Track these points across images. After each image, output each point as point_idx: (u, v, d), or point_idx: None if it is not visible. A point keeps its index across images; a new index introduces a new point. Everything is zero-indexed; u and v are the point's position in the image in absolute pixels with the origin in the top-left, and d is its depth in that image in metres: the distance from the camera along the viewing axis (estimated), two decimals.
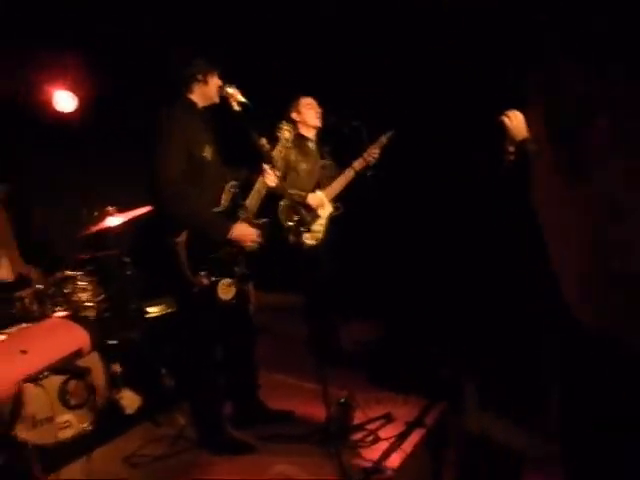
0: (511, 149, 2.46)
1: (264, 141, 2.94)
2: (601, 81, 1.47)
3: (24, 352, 1.77)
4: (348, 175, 3.95)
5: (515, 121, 2.43)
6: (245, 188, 3.11)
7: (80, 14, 4.07)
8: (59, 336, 1.94)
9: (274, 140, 3.22)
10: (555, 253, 1.64)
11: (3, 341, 2.69)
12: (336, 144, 4.10)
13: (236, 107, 2.87)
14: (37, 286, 3.51)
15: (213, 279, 2.83)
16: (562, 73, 1.54)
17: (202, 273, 2.79)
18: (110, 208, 3.76)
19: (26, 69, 4.36)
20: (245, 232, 2.95)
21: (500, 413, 3.07)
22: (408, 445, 2.91)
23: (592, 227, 1.51)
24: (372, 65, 4.45)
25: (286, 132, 3.22)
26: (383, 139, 3.91)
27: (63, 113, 4.74)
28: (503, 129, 2.46)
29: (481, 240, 4.08)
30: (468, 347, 3.69)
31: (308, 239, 3.75)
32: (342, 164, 4.04)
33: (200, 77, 2.89)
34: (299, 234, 3.70)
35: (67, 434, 2.96)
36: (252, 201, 3.07)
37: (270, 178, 3.10)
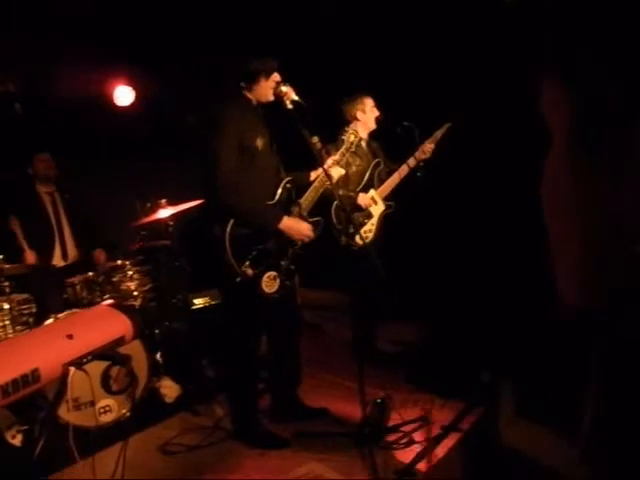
0: None
1: (316, 139, 2.95)
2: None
3: (70, 337, 1.83)
4: (402, 172, 3.91)
5: None
6: (300, 187, 3.13)
7: (139, 13, 4.17)
8: (104, 323, 2.00)
9: (328, 141, 3.23)
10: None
11: (51, 325, 2.82)
12: (388, 144, 4.08)
13: (289, 106, 2.88)
14: (88, 273, 3.65)
15: (258, 271, 2.85)
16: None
17: (246, 264, 2.81)
18: (162, 201, 3.85)
19: (88, 65, 4.51)
20: (296, 225, 2.95)
21: (539, 421, 2.99)
22: (442, 449, 2.88)
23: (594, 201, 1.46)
24: (422, 63, 4.41)
25: (352, 136, 3.19)
26: (438, 134, 3.86)
27: (120, 107, 4.90)
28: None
29: (527, 243, 3.99)
30: (509, 351, 3.61)
31: (359, 239, 3.74)
32: (394, 162, 4.01)
33: (245, 83, 2.93)
34: (350, 235, 3.71)
35: (107, 418, 3.09)
36: (307, 199, 3.08)
37: (336, 170, 3.16)
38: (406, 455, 2.84)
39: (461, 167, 4.34)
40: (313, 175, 3.20)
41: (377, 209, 3.90)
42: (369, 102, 3.89)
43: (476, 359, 3.63)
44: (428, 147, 3.83)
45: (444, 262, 4.56)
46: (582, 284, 1.52)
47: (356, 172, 3.89)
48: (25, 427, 2.98)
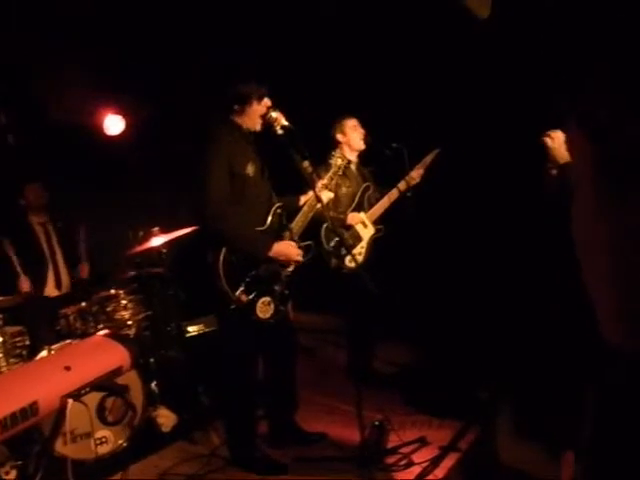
0: (554, 172, 2.37)
1: (307, 164, 2.98)
2: None
3: (68, 368, 1.83)
4: (391, 197, 3.94)
5: (557, 142, 2.34)
6: (290, 212, 3.16)
7: (129, 40, 4.21)
8: (101, 354, 2.00)
9: (319, 164, 3.26)
10: (588, 272, 1.61)
11: (48, 357, 2.80)
12: (377, 166, 4.11)
13: (279, 131, 2.91)
14: (81, 304, 3.64)
15: (251, 297, 2.86)
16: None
17: (240, 290, 2.82)
18: (155, 229, 3.85)
19: (78, 94, 4.54)
20: (285, 250, 2.97)
21: (538, 441, 2.99)
22: (441, 470, 2.87)
23: (626, 245, 1.48)
24: (412, 85, 4.47)
25: (339, 159, 3.25)
26: (427, 159, 3.90)
27: (111, 136, 4.92)
28: (544, 150, 2.38)
29: (521, 264, 4.03)
30: (505, 369, 3.61)
31: (350, 262, 3.76)
32: (383, 186, 4.04)
33: (237, 106, 2.94)
34: (341, 257, 3.73)
35: (104, 450, 3.06)
36: (297, 224, 3.11)
37: (326, 194, 3.19)
38: (406, 477, 2.84)
39: (451, 191, 4.38)
40: (303, 199, 3.23)
41: (367, 232, 3.92)
42: (349, 123, 3.91)
43: (472, 378, 3.64)
44: (418, 172, 3.87)
45: (440, 282, 4.58)
46: (626, 329, 1.53)
47: (346, 194, 3.92)
48: (19, 462, 2.94)
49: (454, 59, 4.22)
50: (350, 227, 3.85)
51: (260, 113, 2.95)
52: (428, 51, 4.26)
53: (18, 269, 3.82)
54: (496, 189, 4.22)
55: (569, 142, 1.90)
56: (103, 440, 3.09)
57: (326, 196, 3.26)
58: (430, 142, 3.99)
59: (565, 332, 2.93)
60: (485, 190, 4.30)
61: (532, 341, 3.57)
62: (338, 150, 3.40)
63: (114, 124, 4.90)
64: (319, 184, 3.19)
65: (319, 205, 3.05)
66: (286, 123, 2.92)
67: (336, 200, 3.83)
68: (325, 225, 3.70)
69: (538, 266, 3.75)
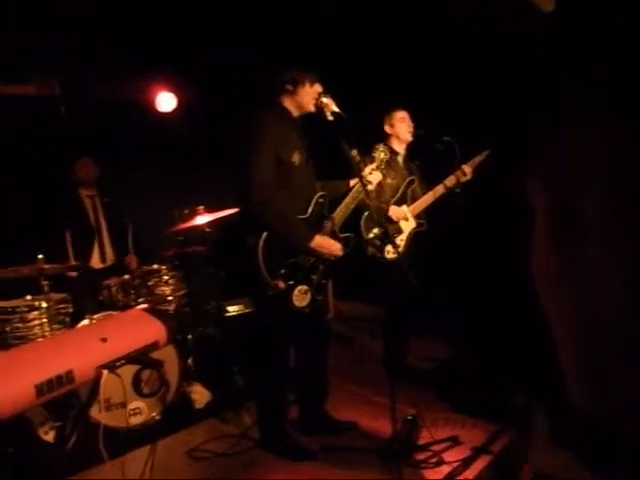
0: None
1: (355, 152, 2.94)
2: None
3: (104, 340, 1.85)
4: (437, 192, 3.88)
5: None
6: (337, 196, 3.14)
7: (180, 20, 4.22)
8: (138, 328, 2.02)
9: (366, 154, 3.22)
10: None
11: (86, 327, 2.86)
12: (428, 159, 4.04)
13: (330, 117, 2.88)
14: (124, 276, 3.70)
15: (289, 284, 2.85)
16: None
17: (278, 277, 2.81)
18: (200, 207, 3.88)
19: (131, 69, 4.59)
20: (327, 244, 2.94)
21: (577, 451, 2.88)
22: (472, 472, 2.81)
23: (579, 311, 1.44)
24: (467, 81, 4.36)
25: (382, 153, 3.23)
26: (477, 159, 3.81)
27: (162, 114, 4.97)
28: None
29: None
30: (543, 374, 3.51)
31: (389, 253, 3.71)
32: (433, 179, 3.97)
33: (290, 87, 2.93)
34: (379, 247, 3.68)
35: (137, 420, 3.13)
36: (339, 214, 3.08)
37: (376, 175, 3.16)
38: (435, 475, 2.79)
39: (500, 188, 4.26)
40: (352, 183, 3.19)
41: (408, 225, 3.87)
42: (398, 115, 3.87)
43: (510, 381, 3.55)
44: (467, 170, 3.78)
45: (481, 280, 4.47)
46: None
47: (390, 185, 3.87)
48: (58, 424, 3.03)
49: (511, 58, 4.09)
50: (390, 219, 3.80)
51: (311, 96, 2.93)
52: (486, 49, 4.13)
53: (66, 239, 3.90)
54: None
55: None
56: (137, 411, 3.15)
57: (376, 177, 3.23)
58: (482, 139, 3.88)
59: None
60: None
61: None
62: (382, 144, 3.34)
63: (166, 101, 4.95)
64: (368, 168, 3.16)
65: (362, 195, 3.03)
66: (337, 109, 2.89)
67: (380, 190, 3.79)
68: (366, 214, 3.66)
69: None
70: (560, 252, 1.52)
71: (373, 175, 3.20)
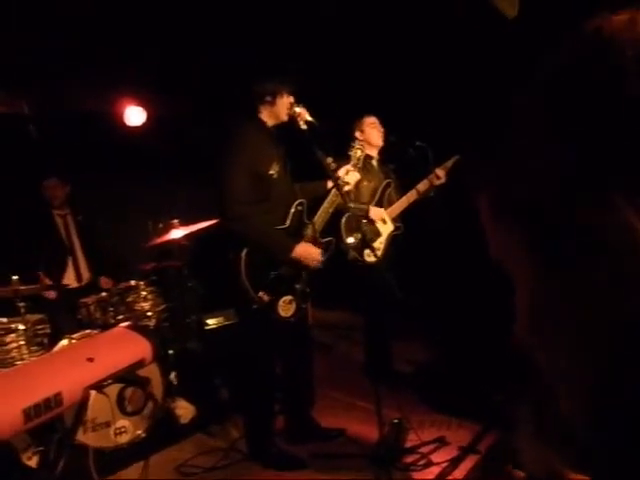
0: None
1: (330, 160, 2.96)
2: None
3: (91, 360, 1.83)
4: (411, 196, 3.93)
5: None
6: (312, 204, 3.15)
7: (152, 33, 4.19)
8: (123, 346, 2.00)
9: (341, 158, 3.24)
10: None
11: (71, 348, 2.81)
12: (401, 164, 4.08)
13: (303, 126, 2.90)
14: (101, 294, 3.65)
15: (273, 297, 2.85)
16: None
17: (262, 290, 2.81)
18: (175, 221, 3.85)
19: (99, 85, 4.54)
20: (308, 252, 2.96)
21: (560, 444, 2.93)
22: (460, 472, 2.84)
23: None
24: (437, 85, 4.42)
25: (358, 151, 3.26)
26: (449, 163, 3.87)
27: (132, 128, 4.92)
28: None
29: None
30: (526, 370, 3.56)
31: (368, 256, 3.74)
32: (406, 184, 4.02)
33: (269, 98, 2.93)
34: (359, 250, 3.71)
35: (123, 439, 3.08)
36: (319, 219, 3.10)
37: (352, 175, 3.17)
38: (424, 477, 2.81)
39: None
40: (330, 184, 3.19)
41: (386, 229, 3.91)
42: (367, 120, 3.91)
43: (493, 379, 3.59)
44: (440, 174, 3.83)
45: (458, 281, 4.53)
46: None
47: (367, 187, 3.90)
48: (40, 449, 2.97)
49: (482, 58, 4.16)
50: (371, 221, 3.83)
51: (285, 107, 2.94)
52: (457, 51, 4.20)
53: (39, 260, 3.85)
54: None
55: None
56: (122, 430, 3.10)
57: (353, 177, 3.25)
58: (454, 143, 3.94)
59: None
60: None
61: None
62: (357, 142, 3.38)
63: (135, 115, 4.91)
64: (343, 169, 3.18)
65: (340, 200, 3.04)
66: (310, 118, 2.91)
67: (357, 193, 3.82)
68: (345, 217, 3.68)
69: None
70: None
71: (350, 175, 3.22)
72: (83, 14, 3.70)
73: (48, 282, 3.71)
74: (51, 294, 3.70)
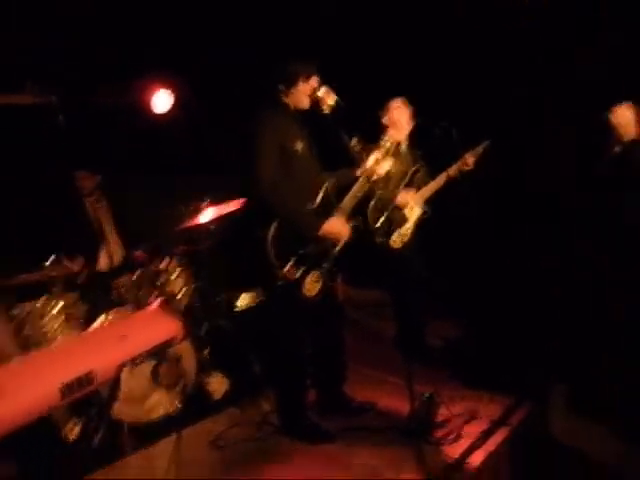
0: (617, 149, 2.26)
1: (355, 142, 2.94)
2: None
3: (123, 338, 1.88)
4: (440, 181, 3.90)
5: (623, 118, 2.22)
6: (346, 184, 3.15)
7: (179, 17, 4.20)
8: (155, 324, 2.04)
9: (369, 141, 3.22)
10: None
11: (104, 327, 2.89)
12: (426, 145, 4.03)
13: (327, 110, 2.89)
14: (134, 276, 3.71)
15: (300, 273, 2.87)
16: None
17: (288, 267, 2.83)
18: (205, 202, 3.88)
19: (126, 69, 4.57)
20: (336, 228, 2.96)
21: (596, 420, 2.90)
22: (491, 444, 2.85)
23: None
24: (466, 68, 4.36)
25: (387, 143, 3.19)
26: (479, 148, 3.82)
27: (161, 113, 4.94)
28: (608, 127, 2.27)
29: (571, 240, 3.92)
30: (561, 345, 3.53)
31: (395, 241, 3.72)
32: (433, 166, 3.99)
33: (283, 87, 2.93)
34: (387, 235, 3.69)
35: (158, 413, 3.16)
36: (347, 203, 3.09)
37: (382, 166, 3.13)
38: (455, 450, 2.83)
39: (504, 173, 4.27)
40: (358, 172, 3.18)
41: (413, 213, 3.89)
42: (393, 104, 3.85)
43: (525, 355, 3.57)
44: (469, 160, 3.78)
45: (494, 258, 4.49)
46: None
47: (396, 173, 3.86)
48: (80, 422, 3.07)
49: (509, 41, 4.09)
50: (398, 206, 3.80)
51: (306, 92, 2.93)
52: (482, 35, 4.13)
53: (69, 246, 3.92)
54: (546, 172, 4.10)
55: None
56: (157, 404, 3.18)
57: (384, 167, 3.20)
58: (482, 124, 3.88)
59: (619, 312, 2.84)
60: (537, 173, 4.18)
61: (587, 320, 3.49)
62: (388, 134, 3.33)
63: (162, 100, 4.90)
64: (373, 158, 3.14)
65: (369, 185, 3.04)
66: (334, 100, 2.88)
67: (386, 178, 3.78)
68: (373, 202, 3.66)
69: (587, 247, 3.65)
70: None
71: (381, 165, 3.16)
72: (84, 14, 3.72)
73: (78, 266, 3.78)
74: (82, 278, 3.78)
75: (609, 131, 2.30)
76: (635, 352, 2.84)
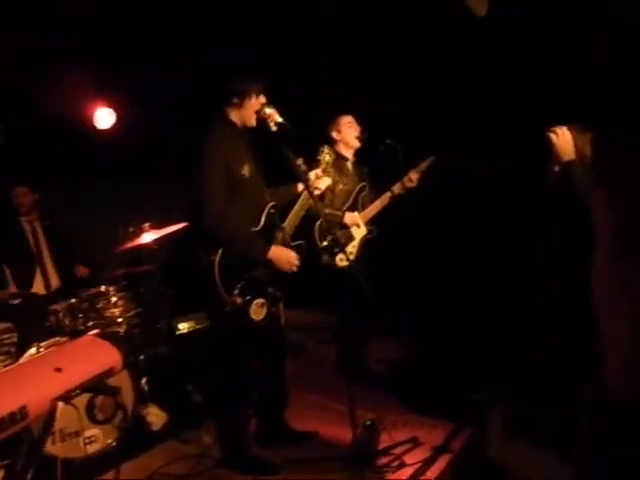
0: (556, 169, 2.35)
1: (301, 161, 2.94)
2: None
3: (59, 370, 1.79)
4: (385, 199, 3.94)
5: (562, 139, 2.30)
6: (288, 201, 3.15)
7: (122, 34, 4.14)
8: (93, 355, 1.97)
9: (312, 161, 3.24)
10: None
11: (39, 358, 2.75)
12: (371, 162, 4.09)
13: (273, 128, 2.87)
14: (71, 300, 3.59)
15: (246, 299, 2.83)
16: None
17: (235, 293, 2.80)
18: (146, 225, 3.80)
19: (68, 87, 4.46)
20: (284, 255, 2.95)
21: (535, 443, 2.96)
22: (433, 471, 2.87)
23: None
24: (409, 84, 4.45)
25: (327, 155, 3.25)
26: (423, 165, 3.89)
27: (102, 130, 4.85)
28: (548, 146, 2.35)
29: (518, 264, 4.03)
30: (498, 370, 3.61)
31: (341, 260, 3.74)
32: (378, 185, 4.03)
33: (237, 99, 2.90)
34: (332, 254, 3.70)
35: (94, 448, 3.03)
36: (290, 222, 3.10)
37: (324, 180, 3.18)
38: (398, 478, 2.83)
39: (449, 189, 4.37)
40: (300, 187, 3.20)
41: (359, 232, 3.92)
42: (344, 120, 3.90)
43: (466, 379, 3.63)
44: (413, 177, 3.85)
45: (435, 281, 4.57)
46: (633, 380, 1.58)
47: (342, 191, 3.90)
48: (7, 462, 2.90)
49: (452, 57, 4.21)
50: (345, 226, 3.83)
51: (255, 109, 2.91)
52: (425, 50, 4.24)
53: (5, 267, 3.78)
54: (494, 187, 4.21)
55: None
56: (92, 439, 3.05)
57: (324, 182, 3.27)
58: (427, 141, 3.97)
59: (562, 333, 2.92)
60: (483, 188, 4.29)
61: (527, 342, 3.57)
62: (326, 146, 3.37)
63: (104, 117, 4.83)
64: (312, 174, 3.18)
65: (311, 202, 3.04)
66: (280, 120, 2.88)
67: (332, 196, 3.83)
68: (319, 222, 3.68)
69: (535, 267, 3.76)
70: (622, 265, 1.59)
71: (321, 180, 3.23)
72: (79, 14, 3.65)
73: (14, 290, 3.64)
74: (16, 301, 3.63)
75: (548, 150, 2.40)
76: (573, 374, 2.93)
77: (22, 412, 1.62)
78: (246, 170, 2.89)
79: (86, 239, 4.25)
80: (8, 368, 2.88)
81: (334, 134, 3.90)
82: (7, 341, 3.24)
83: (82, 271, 3.98)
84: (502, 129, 4.04)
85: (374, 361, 4.20)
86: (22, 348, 3.21)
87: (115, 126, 4.89)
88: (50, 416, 1.79)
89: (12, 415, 1.59)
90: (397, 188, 3.90)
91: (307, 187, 2.95)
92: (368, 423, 3.11)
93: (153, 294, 3.99)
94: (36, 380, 1.75)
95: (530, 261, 3.81)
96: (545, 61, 3.65)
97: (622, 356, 1.59)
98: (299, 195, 3.15)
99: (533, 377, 3.26)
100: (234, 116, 2.95)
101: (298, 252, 3.05)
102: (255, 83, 2.92)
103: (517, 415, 3.17)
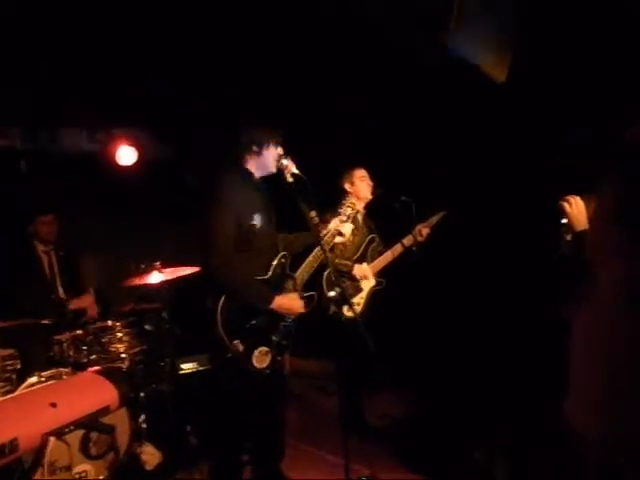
0: (568, 238, 2.36)
1: (314, 214, 2.94)
2: None
3: (54, 405, 1.82)
4: (395, 251, 3.97)
5: (575, 208, 2.33)
6: (296, 256, 3.14)
7: (144, 76, 4.27)
8: (90, 393, 1.99)
9: (328, 210, 3.26)
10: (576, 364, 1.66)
11: (36, 391, 2.77)
12: (385, 218, 4.13)
13: (289, 179, 2.90)
14: (77, 332, 3.61)
15: (249, 346, 2.83)
16: None
17: (237, 339, 2.79)
18: (157, 263, 3.84)
19: (91, 123, 4.60)
20: (288, 303, 2.94)
21: None
22: None
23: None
24: (424, 142, 4.52)
25: (348, 209, 3.20)
26: (433, 219, 3.93)
27: (123, 167, 4.96)
28: (561, 215, 2.38)
29: (520, 323, 4.00)
30: (503, 428, 3.54)
31: (348, 311, 3.74)
32: (388, 239, 4.06)
33: (255, 148, 2.94)
34: (340, 305, 3.70)
35: None
36: (302, 273, 3.09)
37: (347, 226, 3.18)
38: None
39: (455, 247, 4.38)
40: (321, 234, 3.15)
41: (368, 284, 3.94)
42: (358, 173, 3.95)
43: (468, 437, 3.56)
44: (423, 231, 3.88)
45: (438, 337, 4.54)
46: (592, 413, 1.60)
47: (352, 243, 3.93)
48: None
49: (467, 118, 4.28)
50: (353, 277, 3.85)
51: (274, 158, 2.95)
52: (440, 109, 4.32)
53: (17, 294, 3.82)
54: (500, 248, 4.22)
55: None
56: (83, 475, 3.02)
57: (348, 228, 3.25)
58: (439, 199, 4.01)
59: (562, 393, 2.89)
60: (489, 249, 4.30)
61: (529, 400, 3.52)
62: (349, 199, 3.40)
63: (126, 155, 4.95)
64: (336, 219, 3.17)
65: (324, 255, 3.04)
66: (296, 171, 2.91)
67: (343, 247, 3.85)
68: (327, 271, 3.69)
69: (538, 328, 3.73)
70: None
71: (345, 226, 3.20)
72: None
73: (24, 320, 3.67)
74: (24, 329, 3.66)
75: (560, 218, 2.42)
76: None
77: (12, 445, 1.64)
78: (258, 220, 2.90)
79: (98, 273, 4.31)
80: (3, 398, 2.93)
81: (347, 186, 3.95)
82: (9, 367, 3.23)
83: (75, 304, 4.01)
84: (515, 193, 4.07)
85: (376, 416, 4.15)
86: (23, 375, 3.22)
87: (136, 163, 5.00)
88: (41, 450, 1.81)
89: (1, 447, 1.61)
90: (407, 241, 3.93)
91: (319, 241, 2.96)
92: (363, 479, 3.06)
93: (159, 332, 4.00)
94: (30, 414, 1.78)
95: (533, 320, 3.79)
96: (560, 129, 3.70)
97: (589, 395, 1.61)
98: (313, 245, 3.14)
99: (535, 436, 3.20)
100: (251, 165, 2.98)
101: (309, 302, 3.04)
102: (275, 133, 2.98)
103: (519, 471, 3.10)
